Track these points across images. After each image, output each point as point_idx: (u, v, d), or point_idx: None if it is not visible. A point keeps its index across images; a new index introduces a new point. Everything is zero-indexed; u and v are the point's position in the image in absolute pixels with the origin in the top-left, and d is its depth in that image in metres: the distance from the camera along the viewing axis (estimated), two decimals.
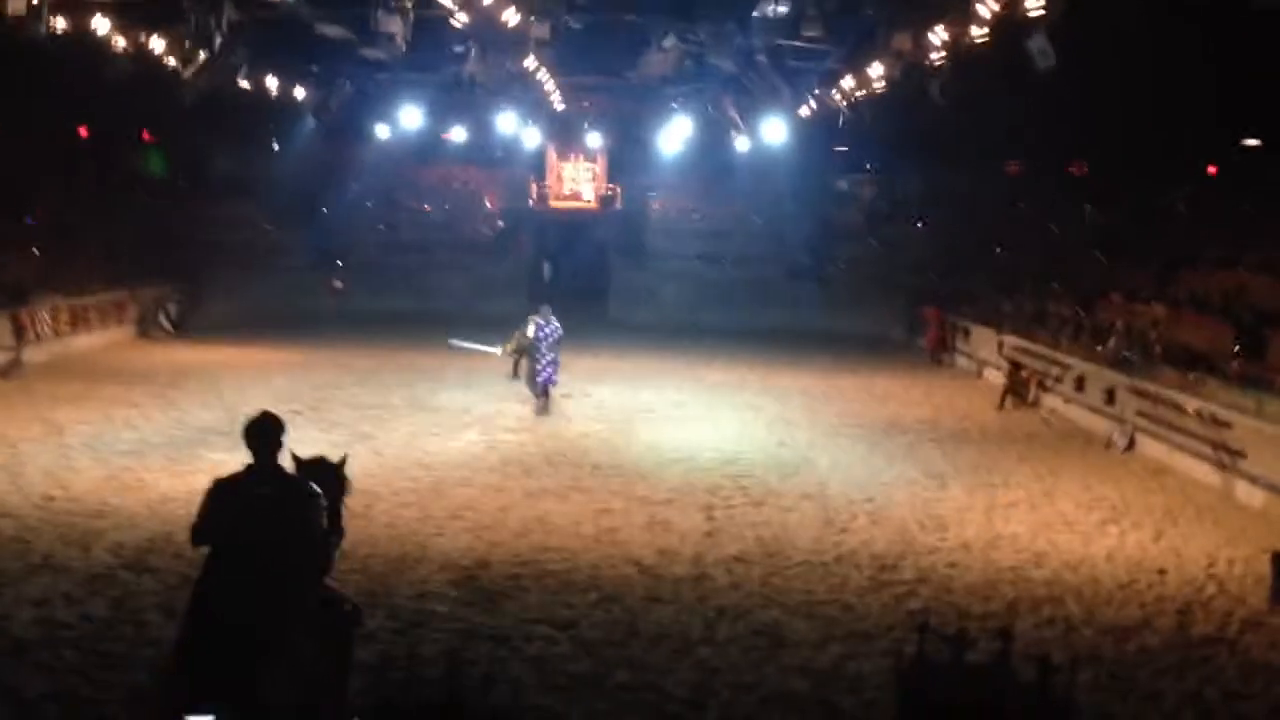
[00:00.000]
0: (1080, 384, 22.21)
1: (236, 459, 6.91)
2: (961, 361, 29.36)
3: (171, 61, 24.71)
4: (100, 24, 23.27)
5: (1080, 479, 17.11)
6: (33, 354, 24.68)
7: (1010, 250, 34.68)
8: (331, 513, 7.09)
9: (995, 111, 30.58)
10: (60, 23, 22.59)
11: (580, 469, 16.20)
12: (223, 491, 6.75)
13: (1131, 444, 19.47)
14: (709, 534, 13.47)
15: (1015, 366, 24.13)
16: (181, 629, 6.63)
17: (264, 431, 6.77)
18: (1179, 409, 18.53)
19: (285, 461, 7.03)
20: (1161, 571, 12.73)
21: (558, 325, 19.67)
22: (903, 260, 37.71)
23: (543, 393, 19.69)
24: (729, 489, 15.53)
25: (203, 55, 24.30)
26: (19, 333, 24.43)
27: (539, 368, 19.62)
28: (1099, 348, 22.81)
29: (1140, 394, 19.81)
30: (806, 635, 10.40)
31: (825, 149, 38.08)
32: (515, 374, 21.04)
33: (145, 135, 39.76)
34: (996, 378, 25.07)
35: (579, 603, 11.00)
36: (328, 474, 7.28)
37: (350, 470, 7.57)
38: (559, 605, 10.90)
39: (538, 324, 19.64)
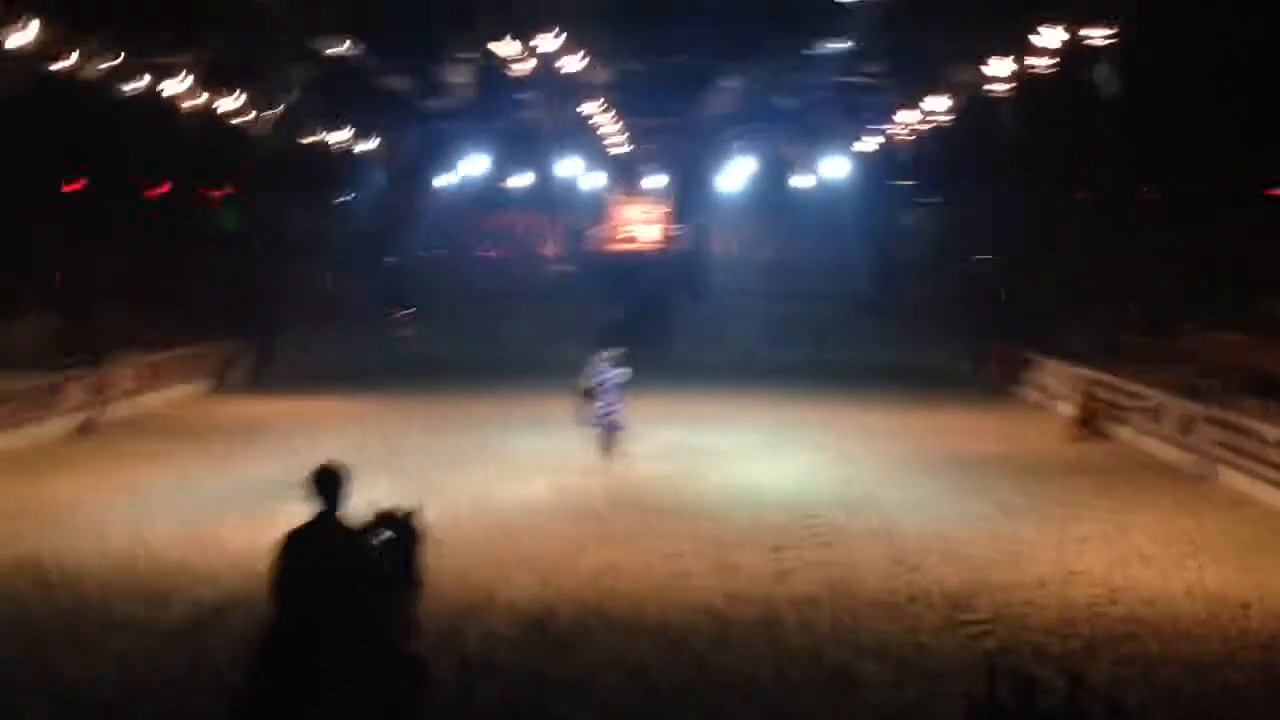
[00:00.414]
0: (1157, 415, 21.69)
1: (311, 512, 7.02)
2: (1033, 394, 28.74)
3: (243, 119, 25.22)
4: (174, 86, 23.89)
5: (1157, 512, 16.68)
6: (112, 411, 24.83)
7: (1082, 278, 34.08)
8: (407, 564, 7.13)
9: (1063, 140, 30.17)
10: (137, 84, 23.35)
11: (647, 512, 16.16)
12: (291, 543, 6.86)
13: (1211, 475, 18.99)
14: (778, 575, 13.35)
15: (1088, 398, 23.54)
16: (244, 676, 6.66)
17: (327, 482, 6.93)
18: (1260, 438, 18.07)
19: (360, 509, 7.05)
20: (1245, 605, 12.37)
21: (622, 370, 19.60)
22: (970, 292, 37.19)
23: (607, 435, 19.62)
24: (797, 529, 15.31)
25: (273, 111, 24.82)
26: (99, 390, 24.77)
27: (600, 410, 19.57)
28: (1175, 378, 22.20)
29: (1218, 424, 19.33)
30: (880, 677, 10.24)
31: (889, 182, 38.04)
32: (582, 418, 20.90)
33: (218, 192, 40.23)
34: (1069, 410, 24.51)
35: (648, 648, 10.92)
36: (402, 526, 7.34)
37: (422, 520, 7.62)
38: (627, 650, 10.83)
39: (602, 367, 19.65)
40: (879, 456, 20.53)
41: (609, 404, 19.54)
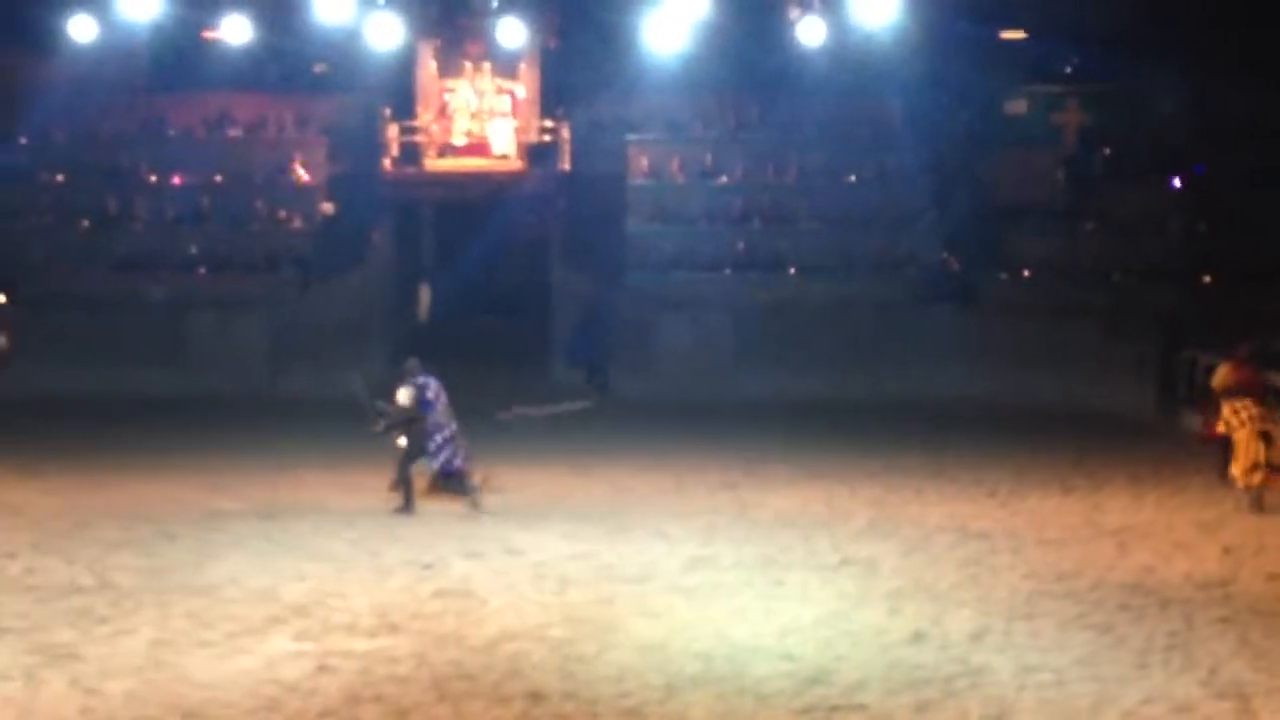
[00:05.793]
0: None
1: None
2: None
3: None
4: None
5: None
6: None
7: None
8: None
9: None
10: None
11: (506, 706, 10.32)
12: None
13: None
14: None
15: None
16: None
17: None
18: None
19: None
20: None
21: (435, 382, 15.79)
22: (1146, 256, 27.13)
23: (460, 482, 15.73)
24: None
25: None
26: None
27: (440, 447, 15.83)
28: None
29: None
30: None
31: (981, 39, 27.10)
32: (405, 502, 15.26)
33: None
34: None
35: None
36: None
37: None
38: None
39: (417, 386, 15.67)
40: (979, 586, 14.08)
41: (444, 435, 15.89)
